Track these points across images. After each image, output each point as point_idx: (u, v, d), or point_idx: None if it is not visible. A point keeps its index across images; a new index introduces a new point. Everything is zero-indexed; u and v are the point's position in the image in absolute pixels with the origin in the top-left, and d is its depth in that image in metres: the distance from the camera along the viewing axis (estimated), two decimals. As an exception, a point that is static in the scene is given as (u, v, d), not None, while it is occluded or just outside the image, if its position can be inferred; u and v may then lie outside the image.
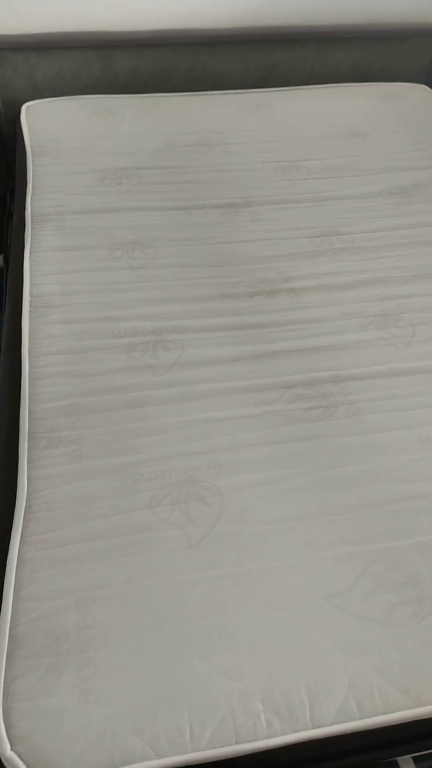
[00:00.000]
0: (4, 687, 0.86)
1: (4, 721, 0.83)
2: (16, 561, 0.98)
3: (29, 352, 1.31)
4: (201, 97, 2.14)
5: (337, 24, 2.22)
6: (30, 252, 1.55)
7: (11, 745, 0.81)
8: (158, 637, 0.91)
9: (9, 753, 0.80)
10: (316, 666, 0.89)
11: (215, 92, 2.17)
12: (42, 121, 1.99)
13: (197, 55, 2.18)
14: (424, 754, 0.91)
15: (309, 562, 1.00)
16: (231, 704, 0.85)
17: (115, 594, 0.95)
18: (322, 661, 0.90)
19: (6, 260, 1.74)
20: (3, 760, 0.80)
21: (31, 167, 1.82)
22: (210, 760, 0.82)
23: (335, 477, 1.12)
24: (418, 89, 2.23)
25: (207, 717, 0.84)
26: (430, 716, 0.87)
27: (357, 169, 1.87)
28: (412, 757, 0.91)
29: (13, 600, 0.94)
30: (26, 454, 1.13)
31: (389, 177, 1.84)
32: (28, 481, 1.09)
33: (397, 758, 0.90)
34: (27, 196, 1.72)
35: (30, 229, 1.61)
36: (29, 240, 1.58)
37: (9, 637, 0.90)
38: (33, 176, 1.78)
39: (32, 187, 1.75)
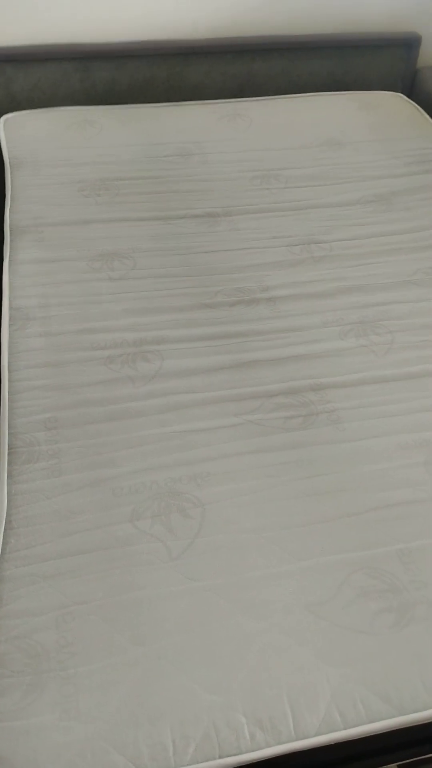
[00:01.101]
0: (-16, 707, 0.85)
1: (-16, 741, 0.82)
2: (-5, 578, 0.98)
3: (8, 366, 1.30)
4: (179, 107, 2.14)
5: (313, 34, 2.24)
6: (9, 264, 1.54)
7: (-9, 766, 0.80)
8: (139, 652, 0.90)
9: (-11, 774, 0.79)
10: (299, 677, 0.89)
11: (193, 102, 2.18)
12: (20, 133, 1.98)
13: (174, 65, 2.19)
14: (409, 763, 0.91)
15: (291, 572, 1.00)
16: (214, 718, 0.85)
17: (96, 609, 0.95)
18: (304, 671, 0.90)
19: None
20: (-17, 782, 0.79)
21: (9, 179, 1.81)
22: (193, 776, 0.82)
23: (316, 486, 1.12)
24: (394, 97, 2.25)
25: (190, 731, 0.84)
26: (413, 724, 0.88)
27: (334, 177, 1.88)
28: (398, 766, 0.91)
29: (-7, 618, 0.93)
30: (6, 469, 1.12)
31: (366, 185, 1.86)
32: (8, 496, 1.08)
33: None
34: (5, 208, 1.72)
35: (9, 242, 1.61)
36: (8, 252, 1.58)
37: (-11, 655, 0.89)
38: (11, 188, 1.78)
39: (11, 199, 1.74)
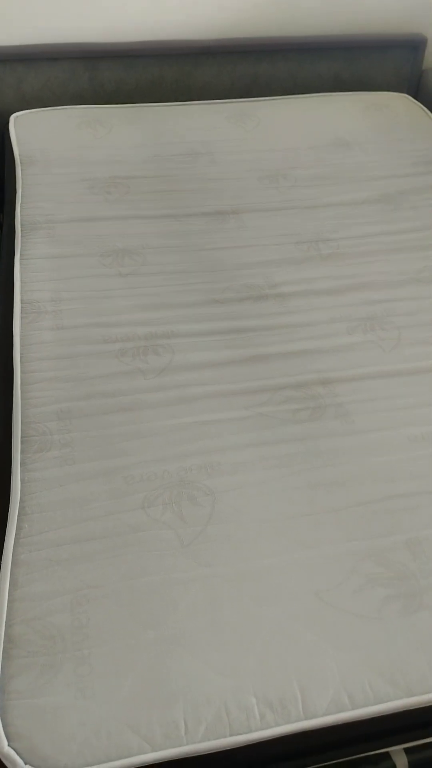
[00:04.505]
0: (1, 685, 0.87)
1: (2, 718, 0.84)
2: (10, 562, 0.99)
3: (21, 358, 1.32)
4: (187, 107, 2.17)
5: (320, 35, 2.27)
6: (20, 259, 1.56)
7: (9, 741, 0.82)
8: (152, 635, 0.92)
9: (6, 749, 0.81)
10: (308, 660, 0.91)
11: (201, 102, 2.20)
12: (30, 132, 2.01)
13: (183, 65, 2.22)
14: (415, 746, 0.93)
15: (300, 559, 1.02)
16: (225, 699, 0.87)
17: (109, 593, 0.96)
18: (313, 655, 0.91)
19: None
20: (1, 757, 0.81)
21: (20, 177, 1.83)
22: (205, 753, 0.83)
23: (325, 477, 1.14)
24: (400, 98, 2.27)
25: (201, 711, 0.86)
26: (420, 706, 0.89)
27: (342, 177, 1.90)
28: (404, 749, 0.93)
29: (8, 600, 0.95)
30: (19, 457, 1.14)
31: (374, 185, 1.88)
32: (21, 483, 1.10)
33: (389, 749, 0.92)
34: (16, 205, 1.74)
35: (20, 237, 1.63)
36: (19, 248, 1.60)
37: (5, 636, 0.91)
38: (22, 185, 1.80)
39: (22, 196, 1.76)
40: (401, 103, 2.25)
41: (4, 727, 0.83)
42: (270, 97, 2.27)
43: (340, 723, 0.86)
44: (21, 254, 1.58)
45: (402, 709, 0.88)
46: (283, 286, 1.53)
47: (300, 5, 2.22)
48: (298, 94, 2.31)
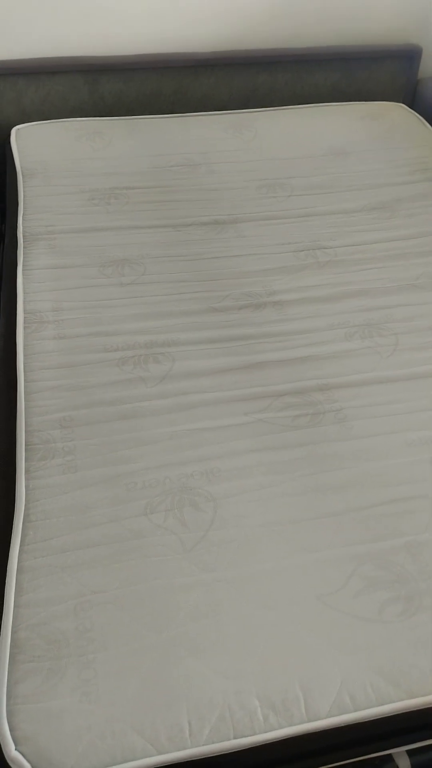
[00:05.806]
0: (7, 690, 0.88)
1: (9, 722, 0.85)
2: (15, 568, 1.01)
3: (24, 367, 1.34)
4: (185, 118, 2.20)
5: (317, 47, 2.30)
6: (22, 270, 1.59)
7: (16, 745, 0.83)
8: (155, 639, 0.93)
9: (14, 753, 0.82)
10: (310, 663, 0.92)
11: (199, 114, 2.23)
12: (31, 144, 2.03)
13: (181, 78, 2.25)
14: (418, 747, 0.94)
15: (301, 563, 1.03)
16: (228, 701, 0.88)
17: (113, 599, 0.98)
18: (315, 657, 0.92)
19: (-1, 279, 1.78)
20: (8, 760, 0.82)
21: (21, 188, 1.86)
22: (210, 755, 0.84)
23: (324, 482, 1.15)
24: (396, 108, 2.30)
25: (205, 714, 0.87)
26: (422, 708, 0.90)
27: (339, 185, 1.93)
28: (406, 751, 0.94)
29: (13, 606, 0.96)
30: (23, 465, 1.16)
31: (370, 193, 1.90)
32: (25, 491, 1.12)
33: (392, 751, 0.93)
34: (18, 217, 1.76)
35: (22, 248, 1.65)
36: (21, 258, 1.62)
37: (11, 642, 0.92)
38: (24, 197, 1.83)
39: (23, 208, 1.79)
40: (397, 112, 2.28)
41: (11, 731, 0.84)
42: (268, 108, 2.30)
43: (342, 725, 0.87)
44: (23, 265, 1.60)
45: (404, 711, 0.89)
46: (282, 293, 1.55)
47: (298, 17, 2.25)
48: (297, 104, 2.34)
